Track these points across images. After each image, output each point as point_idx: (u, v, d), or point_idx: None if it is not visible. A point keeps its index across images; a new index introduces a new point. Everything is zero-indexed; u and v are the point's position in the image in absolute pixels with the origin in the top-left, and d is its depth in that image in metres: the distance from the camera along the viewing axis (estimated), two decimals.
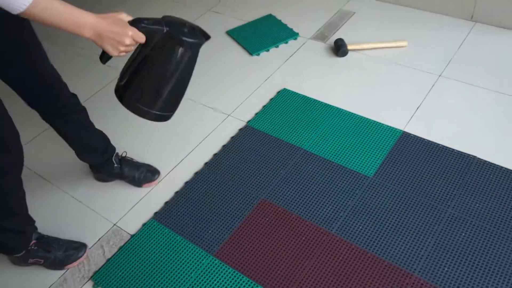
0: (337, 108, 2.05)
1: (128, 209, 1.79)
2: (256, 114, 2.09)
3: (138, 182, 1.86)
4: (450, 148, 1.80)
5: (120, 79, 1.19)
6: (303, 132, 1.97)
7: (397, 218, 1.61)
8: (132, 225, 1.73)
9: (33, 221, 1.60)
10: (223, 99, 2.21)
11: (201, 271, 1.55)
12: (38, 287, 1.58)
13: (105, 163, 1.82)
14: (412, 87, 2.10)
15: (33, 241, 1.59)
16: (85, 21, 1.05)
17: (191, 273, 1.55)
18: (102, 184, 1.89)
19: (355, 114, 2.01)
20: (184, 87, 1.24)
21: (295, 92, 2.16)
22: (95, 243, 1.69)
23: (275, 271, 1.51)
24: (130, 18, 1.11)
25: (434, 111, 1.97)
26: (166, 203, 1.78)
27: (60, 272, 1.62)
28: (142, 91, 1.18)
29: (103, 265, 1.62)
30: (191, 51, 1.16)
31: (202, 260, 1.57)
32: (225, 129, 2.05)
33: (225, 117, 2.11)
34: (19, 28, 1.35)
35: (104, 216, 1.77)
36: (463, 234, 1.53)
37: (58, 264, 1.62)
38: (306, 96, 2.13)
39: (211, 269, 1.55)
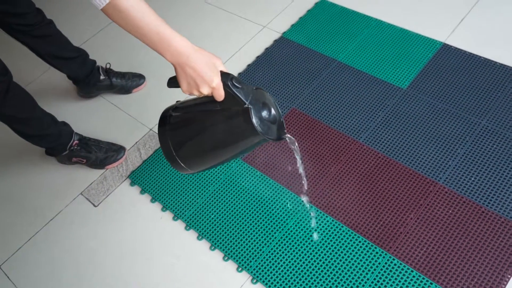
0: (376, 19, 1.97)
1: None
2: (292, 25, 2.05)
3: (127, 89, 1.95)
4: (492, 60, 1.72)
5: (174, 109, 1.04)
6: (339, 43, 1.92)
7: (427, 129, 1.59)
8: None
9: (58, 122, 1.66)
10: (259, 11, 2.17)
11: (231, 173, 1.61)
12: (81, 183, 1.71)
13: (91, 76, 1.87)
14: None
15: (76, 142, 1.70)
16: (172, 42, 0.88)
17: (220, 175, 1.62)
18: (138, 93, 1.96)
19: (394, 25, 1.93)
20: (222, 160, 1.07)
21: (333, 3, 2.09)
22: (132, 146, 1.78)
23: (299, 175, 1.56)
24: (224, 69, 0.93)
25: (479, 24, 1.86)
26: None
27: (101, 171, 1.73)
28: (183, 138, 1.03)
29: (139, 165, 1.71)
30: (255, 141, 0.97)
31: (232, 163, 1.64)
32: (260, 41, 2.04)
33: (260, 29, 2.09)
34: None
35: (141, 122, 1.85)
36: (495, 146, 1.50)
37: (99, 164, 1.72)
38: (344, 7, 2.06)
39: (240, 171, 1.61)
